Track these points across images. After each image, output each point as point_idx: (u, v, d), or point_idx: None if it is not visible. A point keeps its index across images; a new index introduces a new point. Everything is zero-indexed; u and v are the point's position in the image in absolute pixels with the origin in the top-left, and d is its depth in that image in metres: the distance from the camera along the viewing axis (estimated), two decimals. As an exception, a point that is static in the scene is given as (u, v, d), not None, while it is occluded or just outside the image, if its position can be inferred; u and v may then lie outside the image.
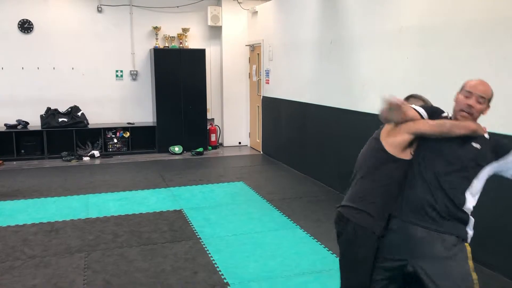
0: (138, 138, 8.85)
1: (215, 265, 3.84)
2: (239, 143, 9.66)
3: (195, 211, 5.26)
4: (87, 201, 5.68)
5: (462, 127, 2.25)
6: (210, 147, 9.19)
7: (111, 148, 8.65)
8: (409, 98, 2.70)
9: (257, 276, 3.65)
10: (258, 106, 8.84)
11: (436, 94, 4.26)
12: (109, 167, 7.69)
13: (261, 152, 8.86)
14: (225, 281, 3.57)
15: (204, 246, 4.26)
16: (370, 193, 2.34)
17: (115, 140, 8.67)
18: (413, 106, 2.41)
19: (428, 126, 2.30)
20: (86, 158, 8.23)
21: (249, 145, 9.60)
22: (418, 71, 4.48)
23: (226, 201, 5.71)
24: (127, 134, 8.71)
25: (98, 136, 8.58)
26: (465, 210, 2.23)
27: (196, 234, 4.55)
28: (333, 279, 3.59)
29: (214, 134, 9.31)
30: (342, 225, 2.37)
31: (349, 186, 2.50)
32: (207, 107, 9.07)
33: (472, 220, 2.25)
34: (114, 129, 8.67)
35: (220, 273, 3.71)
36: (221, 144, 9.60)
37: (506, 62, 3.53)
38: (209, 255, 4.05)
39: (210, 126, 9.30)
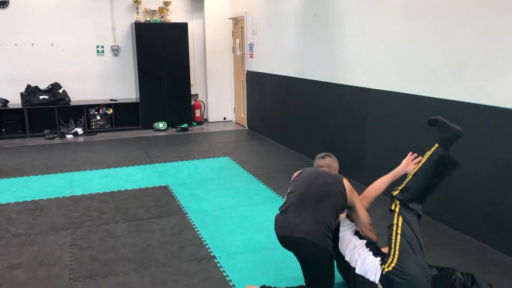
0: (121, 115, 8.75)
1: (202, 239, 3.87)
2: (224, 118, 9.62)
3: (181, 187, 5.26)
4: (71, 178, 5.63)
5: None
6: (194, 123, 9.14)
7: (94, 125, 8.55)
8: (325, 156, 3.24)
9: (244, 249, 3.69)
10: (243, 80, 8.78)
11: (420, 67, 4.27)
12: (93, 144, 7.61)
13: (246, 127, 8.85)
14: (211, 254, 3.60)
15: (190, 220, 4.27)
16: None
17: (98, 117, 8.57)
18: None
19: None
20: (69, 136, 8.13)
21: (234, 121, 9.57)
22: (402, 45, 4.47)
23: (211, 176, 5.72)
24: (110, 111, 8.60)
25: (81, 114, 8.46)
26: None
27: (182, 209, 4.56)
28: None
29: (199, 110, 9.25)
30: None
31: None
32: (191, 82, 8.98)
33: None
34: (96, 106, 8.56)
35: (206, 246, 3.73)
36: (206, 120, 9.56)
37: (490, 36, 3.54)
38: (196, 230, 4.07)
39: (194, 101, 9.22)
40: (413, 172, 2.84)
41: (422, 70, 4.25)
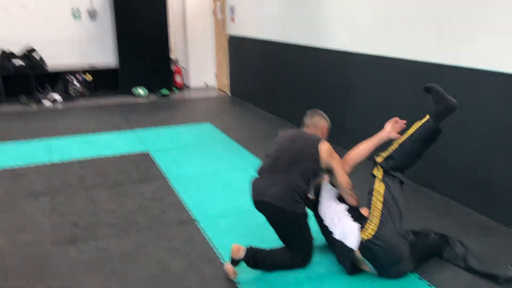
0: (100, 81, 8.56)
1: (183, 204, 3.86)
2: (206, 84, 9.50)
3: (162, 153, 5.22)
4: (50, 145, 5.53)
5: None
6: (175, 89, 9.01)
7: (72, 91, 8.36)
8: (314, 115, 3.10)
9: (225, 212, 3.70)
10: (224, 45, 8.63)
11: (402, 29, 4.23)
12: (72, 111, 7.47)
13: (229, 93, 8.76)
14: (193, 218, 3.60)
15: (171, 186, 4.25)
16: None
17: (77, 84, 8.37)
18: None
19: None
20: (47, 103, 7.95)
21: (216, 87, 9.46)
22: (385, 7, 4.40)
23: (193, 142, 5.68)
24: (89, 77, 8.41)
25: (58, 80, 8.25)
26: None
27: (164, 174, 4.54)
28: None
29: (180, 76, 9.10)
30: None
31: None
32: (171, 47, 8.79)
33: None
34: (74, 72, 8.34)
35: (188, 211, 3.73)
36: (187, 86, 9.43)
37: (471, -7, 3.50)
38: (177, 194, 4.06)
39: (175, 67, 9.07)
40: (400, 142, 2.82)
41: (404, 33, 4.21)
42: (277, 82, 6.78)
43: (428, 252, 2.86)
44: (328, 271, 2.87)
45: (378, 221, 2.67)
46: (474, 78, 3.53)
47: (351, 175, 3.01)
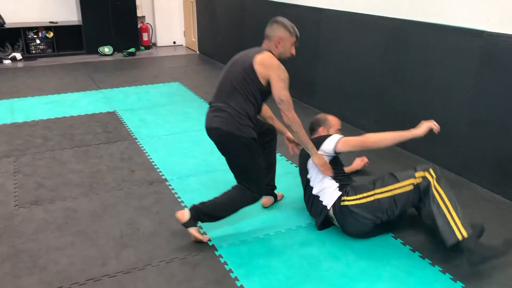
0: (63, 39, 8.21)
1: (153, 163, 3.82)
2: (174, 42, 9.26)
3: (130, 112, 5.11)
4: (12, 105, 5.33)
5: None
6: (142, 47, 8.75)
7: (34, 50, 8.01)
8: (272, 24, 2.79)
9: (196, 172, 3.68)
10: (192, 1, 8.36)
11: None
12: (34, 70, 7.17)
13: (198, 52, 8.58)
14: (163, 177, 3.57)
15: (140, 146, 4.19)
16: None
17: (38, 41, 8.00)
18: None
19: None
20: (6, 62, 7.60)
21: (184, 45, 9.24)
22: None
23: (162, 101, 5.57)
24: (51, 35, 8.04)
25: (18, 37, 7.86)
26: None
27: (132, 134, 4.45)
28: (270, 171, 3.69)
29: (146, 33, 8.82)
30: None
31: None
32: (137, 4, 8.46)
33: None
34: (35, 29, 7.96)
35: (158, 170, 3.69)
36: (154, 44, 9.17)
37: None
38: (146, 154, 4.00)
39: (141, 24, 8.76)
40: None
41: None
42: (248, 40, 6.65)
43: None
44: (297, 225, 2.92)
45: (372, 204, 2.60)
46: (441, 34, 3.54)
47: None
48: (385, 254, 2.62)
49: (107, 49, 8.24)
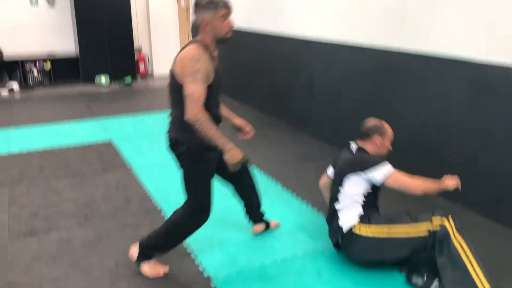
0: (61, 70, 8.31)
1: (148, 193, 3.81)
2: (170, 72, 9.36)
3: (126, 142, 5.12)
4: (8, 135, 5.34)
5: None
6: (139, 77, 8.84)
7: (31, 81, 8.08)
8: (194, 9, 2.43)
9: (191, 200, 3.67)
10: (188, 33, 8.51)
11: (361, 12, 4.27)
12: (31, 100, 7.22)
13: (193, 81, 8.66)
14: (158, 208, 3.56)
15: (136, 175, 4.19)
16: None
17: (36, 72, 8.08)
18: None
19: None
20: (4, 93, 7.65)
21: (180, 75, 9.33)
22: (347, -9, 4.44)
23: (157, 130, 5.57)
24: (48, 66, 8.14)
25: (16, 68, 7.95)
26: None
27: (127, 163, 4.46)
28: (265, 198, 3.67)
29: (143, 64, 8.93)
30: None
31: None
32: (133, 35, 8.59)
33: None
34: (33, 61, 8.05)
35: (152, 199, 3.68)
36: (151, 75, 9.26)
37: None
38: (141, 184, 4.00)
39: (138, 55, 8.88)
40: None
41: (363, 19, 4.26)
42: (242, 70, 6.75)
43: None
44: (294, 254, 2.90)
45: (379, 237, 2.56)
46: (433, 64, 3.61)
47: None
48: None
49: (103, 79, 8.32)
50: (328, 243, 2.92)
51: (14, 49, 8.06)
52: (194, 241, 3.03)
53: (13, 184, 3.98)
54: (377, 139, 2.80)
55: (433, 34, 3.59)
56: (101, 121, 5.94)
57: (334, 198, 2.79)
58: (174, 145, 2.50)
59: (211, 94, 2.40)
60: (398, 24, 3.89)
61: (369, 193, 2.71)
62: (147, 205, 3.58)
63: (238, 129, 2.90)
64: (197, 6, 2.37)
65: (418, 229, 2.51)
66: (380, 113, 4.22)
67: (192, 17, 2.32)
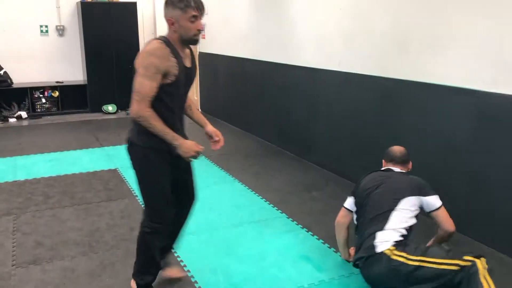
0: (68, 98, 8.41)
1: (153, 221, 3.79)
2: (177, 101, 9.44)
3: (131, 170, 5.10)
4: (15, 163, 5.38)
5: None
6: (146, 106, 8.92)
7: (39, 108, 8.18)
8: (164, 3, 2.34)
9: (196, 229, 3.64)
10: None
11: (367, 41, 4.33)
12: (38, 128, 7.29)
13: (200, 110, 8.73)
14: (163, 235, 3.54)
15: (140, 203, 4.18)
16: None
17: (44, 100, 8.19)
18: None
19: None
20: (12, 120, 7.74)
21: (186, 103, 9.42)
22: (350, 21, 4.51)
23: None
24: (56, 94, 8.25)
25: (25, 96, 8.06)
26: None
27: (132, 192, 4.46)
28: (269, 228, 3.67)
29: (150, 92, 9.02)
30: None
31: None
32: (141, 64, 8.71)
33: None
34: (41, 89, 8.18)
35: (157, 228, 3.67)
36: (158, 103, 9.34)
37: (431, 9, 3.62)
38: (147, 212, 3.98)
39: (146, 84, 8.99)
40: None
41: (369, 48, 4.32)
42: (247, 98, 6.82)
43: None
44: (298, 286, 2.86)
45: (410, 264, 2.51)
46: (437, 94, 3.63)
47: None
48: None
49: (110, 108, 8.42)
50: (334, 274, 2.88)
51: (23, 77, 8.19)
52: (198, 271, 3.01)
53: (18, 212, 3.99)
54: (410, 165, 3.01)
55: (436, 65, 3.62)
56: (107, 149, 5.97)
57: (378, 217, 2.73)
58: (129, 146, 2.44)
59: (172, 93, 2.32)
60: (402, 55, 3.94)
61: (414, 224, 2.74)
62: (152, 234, 3.56)
63: (209, 137, 2.77)
64: (168, 1, 2.28)
65: (450, 262, 2.48)
66: (384, 142, 4.23)
67: (164, 11, 2.29)
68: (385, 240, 2.63)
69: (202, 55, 8.24)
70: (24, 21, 8.13)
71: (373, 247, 2.65)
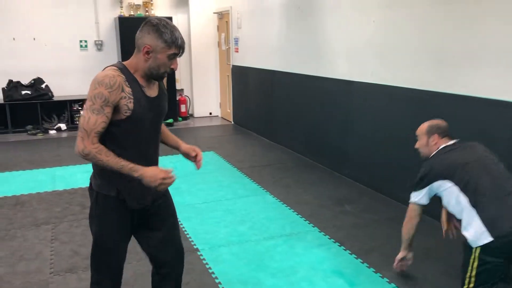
0: (105, 110, 8.63)
1: (185, 232, 3.84)
2: (210, 113, 9.58)
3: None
4: (54, 174, 5.56)
5: None
6: (180, 118, 9.08)
7: (78, 121, 8.44)
8: (143, 26, 2.06)
9: (227, 241, 3.67)
10: (228, 75, 8.74)
11: (399, 54, 4.29)
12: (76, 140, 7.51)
13: (232, 122, 8.82)
14: (195, 247, 3.58)
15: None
16: None
17: (82, 113, 8.44)
18: None
19: None
20: (52, 132, 8.02)
21: (220, 116, 9.54)
22: (383, 33, 4.48)
23: (196, 170, 5.66)
24: (94, 106, 8.48)
25: (64, 109, 8.35)
26: None
27: (166, 203, 4.53)
28: (301, 241, 3.65)
29: (184, 105, 9.20)
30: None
31: None
32: (176, 77, 8.91)
33: None
34: (80, 101, 8.45)
35: (190, 239, 3.71)
36: (192, 115, 9.51)
37: (466, 23, 3.56)
38: (179, 223, 4.03)
39: (180, 96, 9.17)
40: None
41: (402, 60, 4.27)
42: (278, 111, 6.84)
43: None
44: (330, 301, 2.82)
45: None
46: (470, 106, 3.55)
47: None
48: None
49: (146, 120, 8.59)
50: (366, 290, 2.83)
51: (63, 90, 8.49)
52: (228, 283, 3.03)
53: (57, 221, 4.11)
54: None
55: (472, 77, 3.55)
56: (142, 161, 6.09)
57: (502, 180, 2.58)
58: (89, 189, 2.15)
59: (131, 131, 2.00)
60: (437, 67, 3.88)
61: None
62: (184, 245, 3.56)
63: (187, 156, 2.43)
64: (150, 25, 1.97)
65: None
66: (418, 156, 4.16)
67: (138, 33, 2.02)
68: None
69: (235, 68, 8.34)
70: (65, 37, 8.45)
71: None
